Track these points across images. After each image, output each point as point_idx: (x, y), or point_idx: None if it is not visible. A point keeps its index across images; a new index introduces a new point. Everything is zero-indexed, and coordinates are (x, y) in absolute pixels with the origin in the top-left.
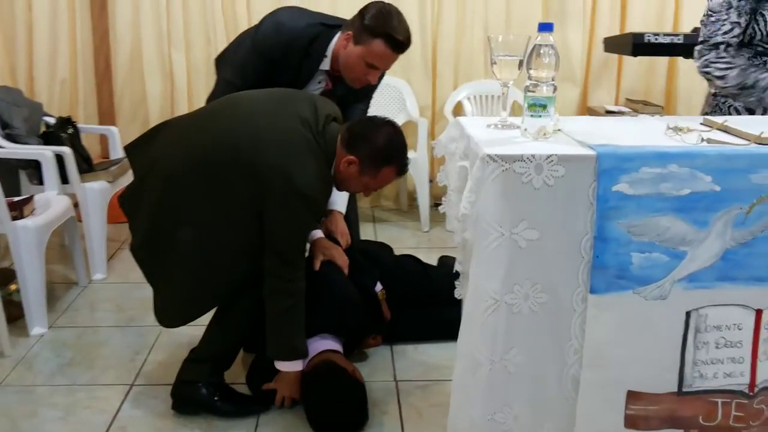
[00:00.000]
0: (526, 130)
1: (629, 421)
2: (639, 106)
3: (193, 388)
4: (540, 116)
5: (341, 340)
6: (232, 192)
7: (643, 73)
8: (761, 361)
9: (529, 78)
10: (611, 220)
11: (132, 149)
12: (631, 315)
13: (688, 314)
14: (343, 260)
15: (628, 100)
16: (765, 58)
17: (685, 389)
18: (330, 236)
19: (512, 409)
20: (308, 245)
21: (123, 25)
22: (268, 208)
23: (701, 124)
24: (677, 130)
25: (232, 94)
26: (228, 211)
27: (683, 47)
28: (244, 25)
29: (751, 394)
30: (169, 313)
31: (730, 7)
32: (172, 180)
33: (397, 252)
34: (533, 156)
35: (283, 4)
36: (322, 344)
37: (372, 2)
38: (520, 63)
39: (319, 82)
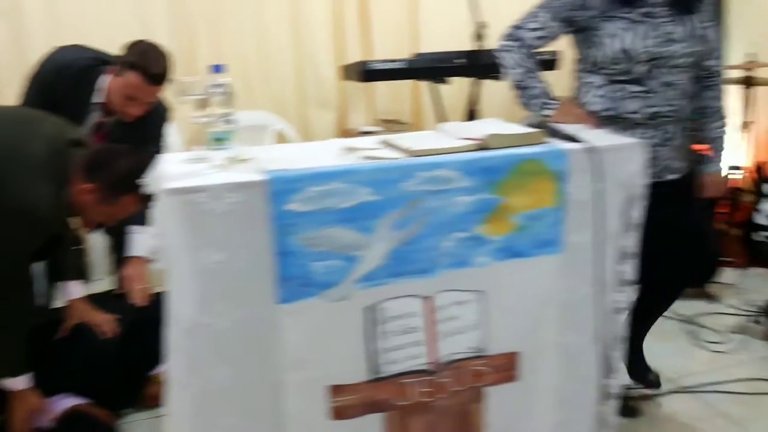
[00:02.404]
0: (212, 162)
1: (335, 412)
2: (391, 125)
3: None
4: (223, 148)
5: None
6: None
7: (392, 94)
8: (440, 340)
9: (208, 115)
10: (289, 235)
11: None
12: (321, 317)
13: (368, 309)
14: (108, 327)
15: (380, 120)
16: (623, 85)
17: (378, 376)
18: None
19: (221, 427)
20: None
21: None
22: None
23: (378, 143)
24: (349, 150)
25: None
26: None
27: (409, 71)
28: None
29: (434, 370)
30: None
31: (545, 7)
32: None
33: None
34: (210, 186)
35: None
36: (69, 401)
37: (137, 40)
38: (204, 101)
39: (94, 116)
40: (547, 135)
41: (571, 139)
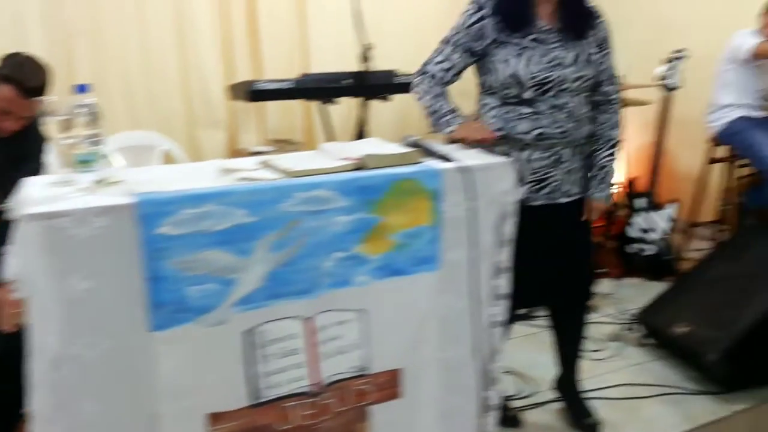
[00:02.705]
0: (78, 185)
1: None
2: (282, 145)
3: None
4: (89, 171)
5: None
6: None
7: (283, 113)
8: (322, 361)
9: (73, 137)
10: (162, 260)
11: None
12: (197, 344)
13: (247, 333)
14: None
15: (271, 140)
16: (514, 107)
17: (258, 401)
18: None
19: None
20: None
21: None
22: None
23: (257, 164)
24: (226, 171)
25: None
26: None
27: (296, 91)
28: None
29: (317, 392)
30: None
31: (448, 42)
32: None
33: None
34: (74, 210)
35: None
36: None
37: (12, 53)
38: (68, 122)
39: None
40: (422, 155)
41: (445, 158)
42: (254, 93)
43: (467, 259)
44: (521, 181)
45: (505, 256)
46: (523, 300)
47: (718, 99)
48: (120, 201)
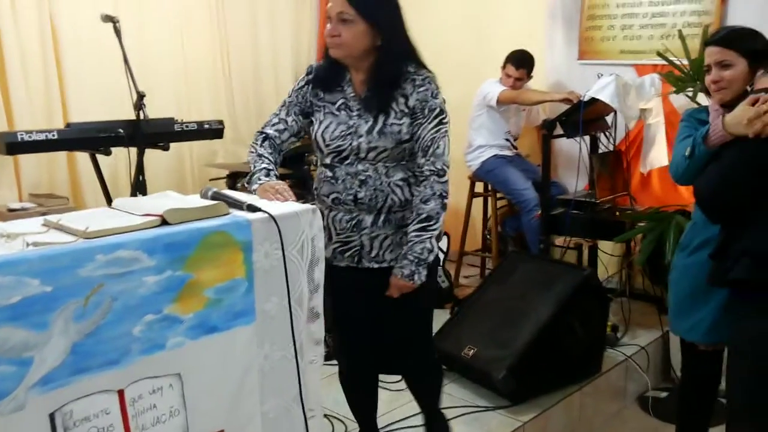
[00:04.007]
0: None
1: None
2: (44, 200)
3: None
4: None
5: None
6: None
7: (44, 165)
8: None
9: None
10: None
11: None
12: None
13: (51, 416)
14: None
15: (32, 195)
16: (323, 168)
17: None
18: None
19: None
20: None
21: None
22: None
23: (41, 225)
24: (8, 236)
25: None
26: None
27: (60, 142)
28: None
29: None
30: None
31: (283, 104)
32: None
33: None
34: None
35: None
36: None
37: None
38: None
39: None
40: (227, 206)
41: (250, 208)
42: (13, 145)
43: (282, 308)
44: (329, 239)
45: (318, 302)
46: (357, 363)
47: (473, 140)
48: None
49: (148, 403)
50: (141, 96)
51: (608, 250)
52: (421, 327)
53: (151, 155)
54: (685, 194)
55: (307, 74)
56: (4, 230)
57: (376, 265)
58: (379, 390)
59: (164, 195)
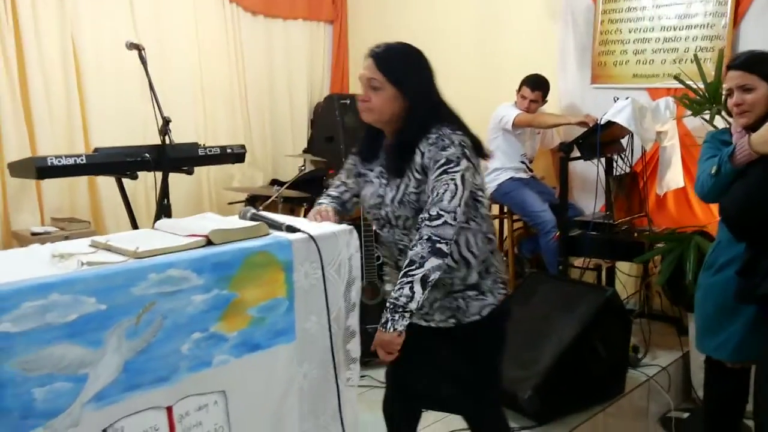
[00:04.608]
0: None
1: None
2: (65, 224)
3: None
4: None
5: None
6: None
7: (65, 190)
8: None
9: None
10: (2, 363)
11: None
12: None
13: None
14: None
15: (54, 219)
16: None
17: None
18: None
19: None
20: None
21: None
22: None
23: (89, 245)
24: (61, 257)
25: None
26: None
27: (88, 167)
28: None
29: None
30: None
31: (342, 169)
32: None
33: None
34: None
35: None
36: None
37: None
38: None
39: None
40: (267, 227)
41: (289, 229)
42: (43, 169)
43: (321, 327)
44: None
45: (354, 321)
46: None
47: (488, 163)
48: None
49: (194, 420)
50: (167, 121)
51: (626, 271)
52: (475, 380)
53: (172, 179)
54: (701, 215)
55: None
56: (56, 250)
57: (424, 323)
58: None
59: (203, 217)
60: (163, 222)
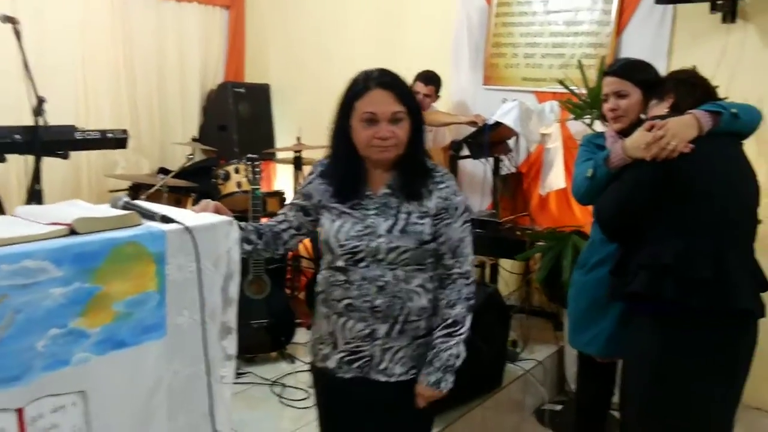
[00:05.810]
0: None
1: None
2: None
3: None
4: None
5: None
6: None
7: None
8: None
9: None
10: None
11: None
12: None
13: None
14: None
15: None
16: (333, 272)
17: None
18: None
19: None
20: None
21: None
22: None
23: None
24: None
25: None
26: None
27: None
28: None
29: None
30: None
31: (289, 202)
32: None
33: None
34: None
35: None
36: None
37: None
38: None
39: None
40: (139, 217)
41: (163, 219)
42: None
43: (194, 323)
44: (334, 347)
45: (232, 316)
46: None
47: None
48: None
49: (49, 422)
50: (41, 101)
51: (509, 268)
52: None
53: (46, 164)
54: (579, 215)
55: (312, 173)
56: None
57: (383, 378)
58: (284, 407)
59: (72, 204)
60: (24, 208)
